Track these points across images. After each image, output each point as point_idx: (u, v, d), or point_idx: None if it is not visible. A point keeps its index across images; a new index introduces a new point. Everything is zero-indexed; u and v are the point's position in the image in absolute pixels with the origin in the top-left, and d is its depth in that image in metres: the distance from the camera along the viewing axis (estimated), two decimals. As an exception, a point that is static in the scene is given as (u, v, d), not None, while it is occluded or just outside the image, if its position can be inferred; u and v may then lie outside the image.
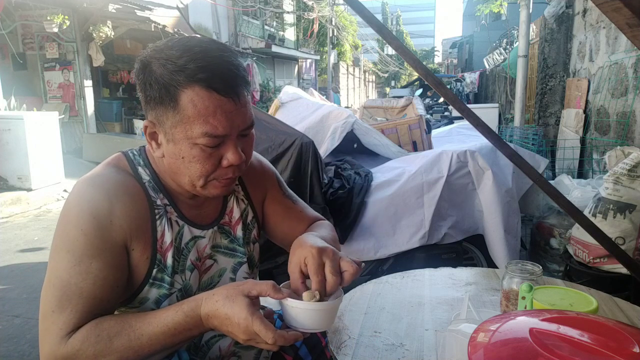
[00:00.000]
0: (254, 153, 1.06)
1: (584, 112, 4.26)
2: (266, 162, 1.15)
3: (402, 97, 6.42)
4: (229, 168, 0.88)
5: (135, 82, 0.87)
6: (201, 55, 0.81)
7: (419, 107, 5.21)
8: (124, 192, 0.87)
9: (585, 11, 4.55)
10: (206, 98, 0.80)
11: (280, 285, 0.84)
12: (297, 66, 21.61)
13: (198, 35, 0.89)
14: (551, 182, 2.90)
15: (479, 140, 2.64)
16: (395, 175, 2.44)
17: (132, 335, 0.80)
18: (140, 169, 0.93)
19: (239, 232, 1.04)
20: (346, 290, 1.22)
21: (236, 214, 1.05)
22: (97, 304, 0.83)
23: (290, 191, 1.17)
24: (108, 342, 0.79)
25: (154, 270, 0.89)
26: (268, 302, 1.39)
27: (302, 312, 0.80)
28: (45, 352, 0.81)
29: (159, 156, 0.89)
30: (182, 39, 0.86)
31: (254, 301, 0.80)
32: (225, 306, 0.79)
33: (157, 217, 0.91)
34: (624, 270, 2.06)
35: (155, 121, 0.86)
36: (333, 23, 21.60)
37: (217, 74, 0.81)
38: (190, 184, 0.89)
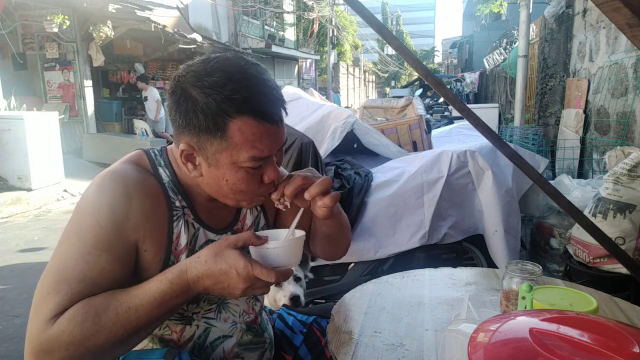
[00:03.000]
0: None
1: (584, 112, 4.26)
2: (282, 169, 1.15)
3: (402, 97, 6.42)
4: (270, 184, 0.91)
5: (170, 107, 0.87)
6: (245, 84, 0.82)
7: (419, 107, 5.21)
8: (143, 191, 0.87)
9: (585, 11, 4.55)
10: (254, 126, 0.82)
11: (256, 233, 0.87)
12: (297, 66, 21.60)
13: (229, 55, 0.89)
14: (551, 182, 2.90)
15: (479, 140, 2.63)
16: (395, 175, 2.44)
17: (119, 309, 0.78)
18: (160, 169, 0.94)
19: None
20: (346, 290, 1.22)
21: (249, 221, 1.06)
22: (97, 291, 0.80)
23: None
24: (96, 319, 0.77)
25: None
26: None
27: (283, 249, 0.85)
28: (31, 335, 0.77)
29: (196, 176, 0.89)
30: (218, 60, 0.85)
31: (242, 251, 0.82)
32: (218, 263, 0.80)
33: (174, 218, 0.91)
34: (624, 270, 2.06)
35: (195, 146, 0.86)
36: (333, 23, 21.60)
37: (263, 104, 0.83)
38: (235, 201, 0.92)
